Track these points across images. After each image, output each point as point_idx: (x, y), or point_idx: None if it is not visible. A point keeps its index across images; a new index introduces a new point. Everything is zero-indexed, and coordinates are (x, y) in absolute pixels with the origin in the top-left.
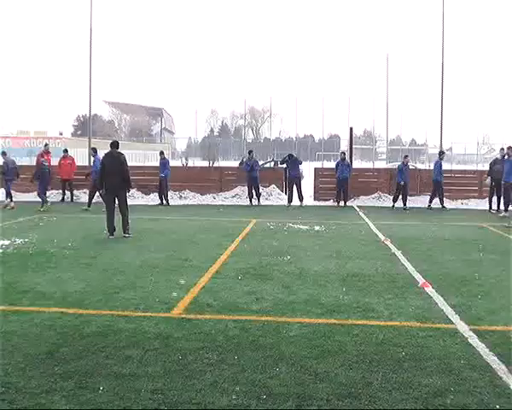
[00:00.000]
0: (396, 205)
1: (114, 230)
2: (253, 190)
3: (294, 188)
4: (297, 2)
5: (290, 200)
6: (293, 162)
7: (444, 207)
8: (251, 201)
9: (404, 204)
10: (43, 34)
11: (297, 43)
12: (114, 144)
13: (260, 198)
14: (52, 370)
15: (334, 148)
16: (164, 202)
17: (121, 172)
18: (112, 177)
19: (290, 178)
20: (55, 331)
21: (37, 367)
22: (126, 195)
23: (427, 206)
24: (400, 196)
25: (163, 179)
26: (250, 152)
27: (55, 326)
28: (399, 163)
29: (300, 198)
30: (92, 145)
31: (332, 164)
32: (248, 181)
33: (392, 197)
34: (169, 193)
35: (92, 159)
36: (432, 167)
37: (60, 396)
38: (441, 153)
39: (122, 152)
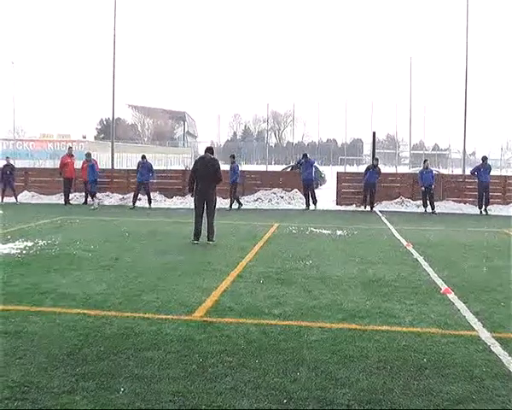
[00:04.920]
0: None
1: (200, 235)
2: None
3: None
4: (320, 6)
5: (308, 204)
6: (306, 164)
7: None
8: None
9: (432, 208)
10: (68, 38)
11: (320, 47)
12: (209, 149)
13: (283, 202)
14: (74, 370)
15: (357, 152)
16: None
17: (214, 177)
18: (204, 181)
19: (303, 182)
20: (76, 332)
21: (59, 367)
22: (216, 201)
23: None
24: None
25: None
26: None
27: (76, 327)
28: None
29: (314, 202)
30: (118, 148)
31: (355, 168)
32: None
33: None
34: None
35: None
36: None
37: (81, 397)
38: (485, 158)
39: (216, 158)
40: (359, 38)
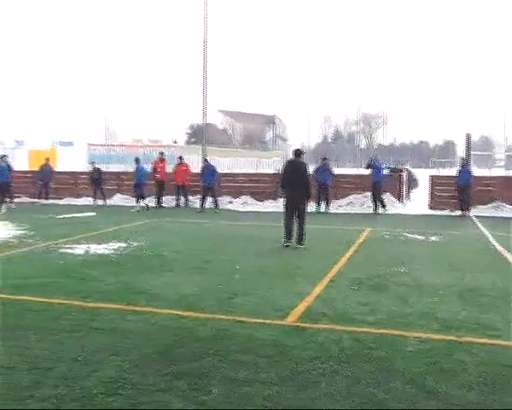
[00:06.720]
0: None
1: (291, 237)
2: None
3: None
4: (412, 5)
5: (376, 206)
6: (375, 167)
7: None
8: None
9: None
10: (158, 45)
11: (412, 47)
12: (297, 153)
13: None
14: (167, 369)
15: (450, 154)
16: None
17: (302, 180)
18: (293, 186)
19: (373, 183)
20: (169, 332)
21: (152, 366)
22: (306, 205)
23: None
24: None
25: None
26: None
27: (169, 327)
28: None
29: (381, 205)
30: (207, 153)
31: (447, 171)
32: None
33: None
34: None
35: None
36: None
37: (174, 396)
38: None
39: (305, 161)
40: (452, 37)
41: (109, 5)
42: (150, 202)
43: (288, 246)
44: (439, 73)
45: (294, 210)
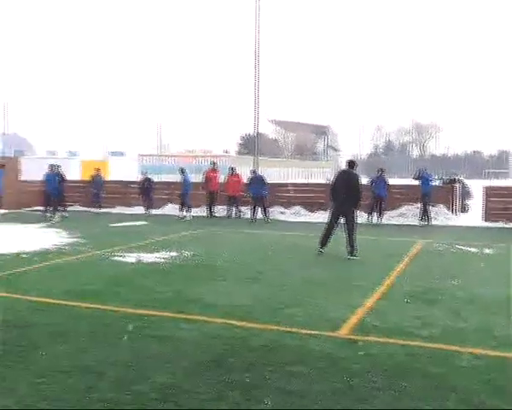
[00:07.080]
0: None
1: (325, 246)
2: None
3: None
4: (462, 16)
5: (428, 218)
6: (423, 178)
7: None
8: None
9: None
10: (210, 56)
11: (467, 55)
12: (351, 164)
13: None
14: (219, 378)
15: (504, 165)
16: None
17: (353, 192)
18: (342, 196)
19: (422, 195)
20: (222, 341)
21: (205, 374)
22: (355, 216)
23: None
24: None
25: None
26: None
27: (221, 336)
28: None
29: (421, 216)
30: (258, 164)
31: (501, 182)
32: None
33: None
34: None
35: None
36: None
37: (226, 405)
38: None
39: (357, 173)
40: (505, 45)
41: (161, 17)
42: (202, 211)
43: (321, 253)
44: (493, 82)
45: (338, 220)
